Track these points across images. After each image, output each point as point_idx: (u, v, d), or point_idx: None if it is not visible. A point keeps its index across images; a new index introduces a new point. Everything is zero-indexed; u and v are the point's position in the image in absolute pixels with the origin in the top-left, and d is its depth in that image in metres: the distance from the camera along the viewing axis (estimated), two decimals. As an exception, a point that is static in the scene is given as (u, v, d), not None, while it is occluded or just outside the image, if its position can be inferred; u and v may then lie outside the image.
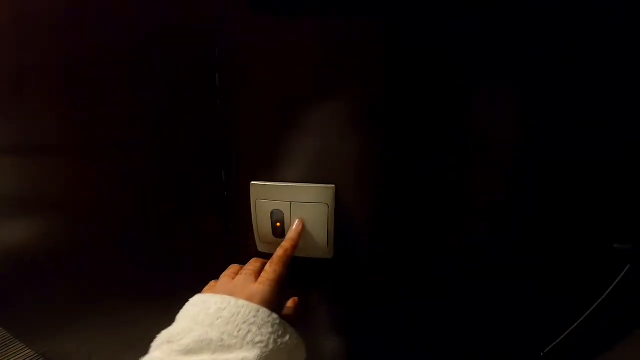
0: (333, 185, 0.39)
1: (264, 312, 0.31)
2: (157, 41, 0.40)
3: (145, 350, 0.32)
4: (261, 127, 0.40)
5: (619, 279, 0.40)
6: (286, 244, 0.38)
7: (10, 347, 1.08)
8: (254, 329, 0.30)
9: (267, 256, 0.45)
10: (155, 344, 0.31)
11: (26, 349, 1.08)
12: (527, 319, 0.45)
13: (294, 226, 0.40)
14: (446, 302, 0.46)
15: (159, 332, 0.32)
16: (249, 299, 0.32)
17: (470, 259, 0.43)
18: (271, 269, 0.35)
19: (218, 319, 0.30)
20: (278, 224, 0.41)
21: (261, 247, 0.44)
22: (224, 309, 0.30)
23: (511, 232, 0.40)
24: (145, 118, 0.44)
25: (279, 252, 0.37)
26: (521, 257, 0.41)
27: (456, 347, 0.49)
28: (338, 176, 0.40)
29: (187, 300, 0.35)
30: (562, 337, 0.44)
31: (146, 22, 0.40)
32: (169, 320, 0.34)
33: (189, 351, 0.29)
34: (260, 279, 0.34)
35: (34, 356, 1.07)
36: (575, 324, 0.43)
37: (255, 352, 0.28)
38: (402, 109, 0.37)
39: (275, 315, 0.31)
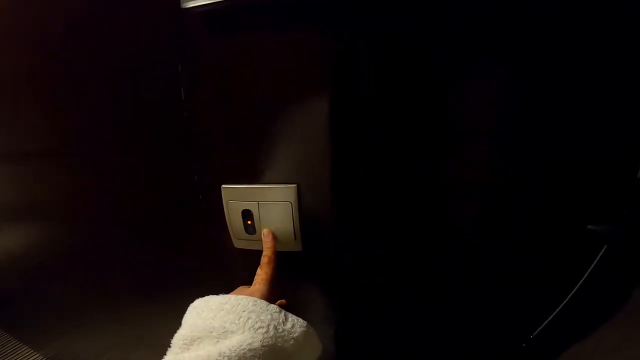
0: (295, 185, 0.43)
1: (262, 302, 0.34)
2: (129, 61, 0.43)
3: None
4: (227, 135, 0.44)
5: (596, 261, 0.41)
6: (267, 252, 0.42)
7: (19, 352, 1.12)
8: (254, 316, 0.32)
9: (242, 252, 0.49)
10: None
11: (34, 353, 1.12)
12: (526, 319, 0.45)
13: (264, 237, 0.44)
14: (439, 302, 0.47)
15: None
16: (249, 295, 0.35)
17: (469, 260, 0.43)
18: (262, 272, 0.39)
19: (220, 311, 0.33)
20: (249, 222, 0.45)
21: (237, 244, 0.48)
22: (225, 303, 0.33)
23: (511, 233, 0.41)
24: (124, 133, 0.48)
25: (264, 259, 0.41)
26: (521, 258, 0.42)
27: (456, 346, 0.49)
28: (299, 176, 0.44)
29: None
30: (545, 323, 0.45)
31: (118, 45, 0.43)
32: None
33: (192, 341, 0.31)
34: (254, 281, 0.38)
35: (42, 360, 1.09)
36: (558, 309, 0.43)
37: (257, 337, 0.31)
38: (354, 113, 0.41)
39: (273, 306, 0.34)
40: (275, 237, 0.44)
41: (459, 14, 0.35)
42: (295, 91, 0.40)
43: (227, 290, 0.40)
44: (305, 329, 0.35)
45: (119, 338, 0.80)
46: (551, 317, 0.44)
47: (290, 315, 0.35)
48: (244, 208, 0.45)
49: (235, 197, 0.45)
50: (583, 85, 0.35)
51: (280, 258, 0.48)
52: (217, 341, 0.31)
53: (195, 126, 0.44)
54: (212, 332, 0.31)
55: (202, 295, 0.38)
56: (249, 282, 0.41)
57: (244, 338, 0.30)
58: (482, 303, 0.45)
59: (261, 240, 0.46)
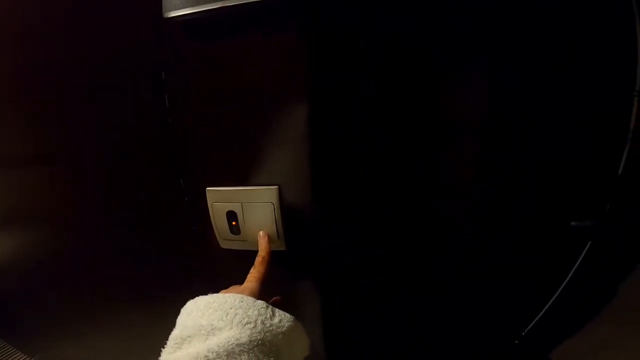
0: (277, 186, 0.45)
1: (249, 298, 0.34)
2: (114, 67, 0.45)
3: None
4: (210, 139, 0.45)
5: (581, 257, 0.42)
6: (261, 252, 0.43)
7: (13, 357, 1.11)
8: (241, 312, 0.33)
9: (230, 252, 0.50)
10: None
11: (28, 358, 1.11)
12: (526, 318, 0.46)
13: (260, 238, 0.45)
14: (439, 302, 0.47)
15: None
16: (238, 293, 0.36)
17: (469, 260, 0.44)
18: (255, 270, 0.41)
19: (208, 309, 0.33)
20: (234, 223, 0.47)
21: (223, 244, 0.50)
22: (213, 302, 0.34)
23: (511, 233, 0.42)
24: (110, 139, 0.49)
25: (258, 259, 0.42)
26: (520, 258, 0.42)
27: (456, 346, 0.50)
28: (281, 178, 0.45)
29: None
30: (535, 320, 0.45)
31: (103, 52, 0.45)
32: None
33: (183, 340, 0.32)
34: (246, 279, 0.40)
35: (36, 365, 1.09)
36: (547, 306, 0.44)
37: (244, 332, 0.31)
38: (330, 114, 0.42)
39: (260, 301, 0.35)
40: (268, 239, 0.45)
41: (459, 14, 0.35)
42: (276, 94, 0.42)
43: (219, 290, 0.41)
44: (292, 323, 0.36)
45: (114, 342, 0.81)
46: (541, 313, 0.45)
47: (277, 310, 0.36)
48: (228, 209, 0.46)
49: (220, 199, 0.46)
50: (583, 84, 0.35)
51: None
52: (206, 338, 0.31)
53: (179, 131, 0.46)
54: (200, 330, 0.32)
55: (195, 297, 0.38)
56: (239, 281, 0.42)
57: (231, 334, 0.31)
58: (482, 303, 0.46)
59: (246, 241, 0.48)
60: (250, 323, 0.32)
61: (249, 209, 0.46)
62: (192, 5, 0.39)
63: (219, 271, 0.55)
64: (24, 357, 1.11)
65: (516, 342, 0.47)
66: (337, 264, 0.50)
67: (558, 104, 0.37)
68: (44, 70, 0.48)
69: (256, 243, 0.47)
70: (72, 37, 0.45)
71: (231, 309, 0.33)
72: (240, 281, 0.41)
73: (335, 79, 0.40)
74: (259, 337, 0.32)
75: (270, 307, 0.35)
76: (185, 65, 0.42)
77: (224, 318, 0.32)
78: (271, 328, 0.33)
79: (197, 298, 0.37)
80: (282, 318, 0.35)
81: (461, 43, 0.36)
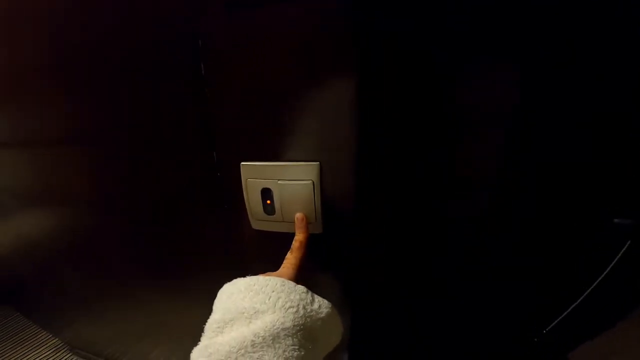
0: (317, 163, 0.41)
1: (289, 282, 0.33)
2: (149, 37, 0.42)
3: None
4: (246, 111, 0.42)
5: (620, 254, 0.40)
6: (299, 236, 0.41)
7: (38, 337, 1.14)
8: (283, 295, 0.32)
9: (260, 233, 0.48)
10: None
11: (52, 338, 1.14)
12: (526, 319, 0.45)
13: (298, 221, 0.42)
14: (439, 302, 0.47)
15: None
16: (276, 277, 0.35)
17: (469, 260, 0.43)
18: (292, 256, 0.39)
19: (249, 292, 0.32)
20: (268, 202, 0.44)
21: (255, 225, 0.47)
22: (254, 285, 0.33)
23: (511, 233, 0.41)
24: (145, 113, 0.47)
25: (296, 244, 0.40)
26: (521, 258, 0.41)
27: (456, 346, 0.49)
28: (322, 154, 0.42)
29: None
30: (564, 315, 0.44)
31: (136, 22, 0.42)
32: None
33: (225, 324, 0.31)
34: (283, 265, 0.38)
35: (59, 345, 1.12)
36: (577, 301, 0.43)
37: (288, 317, 0.31)
38: (382, 97, 0.39)
39: (301, 286, 0.34)
40: (306, 222, 0.42)
41: (459, 13, 0.34)
42: (314, 69, 0.38)
43: (246, 274, 0.39)
44: (330, 310, 0.35)
45: (134, 324, 0.81)
46: (567, 312, 0.43)
47: (316, 296, 0.35)
48: (264, 186, 0.43)
49: (255, 174, 0.43)
50: (583, 84, 0.34)
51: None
52: (250, 322, 0.30)
53: (215, 102, 0.43)
54: (243, 313, 0.31)
55: (220, 280, 0.37)
56: (266, 266, 0.39)
57: (276, 317, 0.30)
58: (482, 303, 0.45)
59: (281, 222, 0.45)
60: (293, 307, 0.32)
61: (286, 187, 0.42)
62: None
63: (249, 254, 0.52)
64: (48, 336, 1.14)
65: (535, 339, 0.45)
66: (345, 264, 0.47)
67: (559, 104, 0.36)
68: (76, 47, 0.47)
69: (291, 225, 0.43)
70: (106, 13, 0.43)
71: (273, 292, 0.32)
72: (270, 267, 0.39)
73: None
74: (301, 322, 0.31)
75: (310, 292, 0.34)
76: (223, 34, 0.39)
77: (266, 301, 0.31)
78: (312, 314, 0.33)
79: (235, 280, 0.35)
80: (321, 304, 0.34)
81: (461, 42, 0.35)
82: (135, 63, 0.45)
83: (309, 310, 0.33)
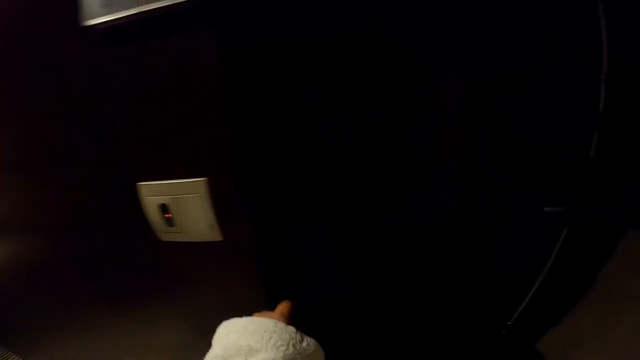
0: (204, 178, 0.47)
1: (281, 323, 0.38)
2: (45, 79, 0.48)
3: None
4: (139, 135, 0.48)
5: (560, 242, 0.43)
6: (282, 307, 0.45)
7: (8, 360, 1.15)
8: (275, 335, 0.36)
9: (169, 243, 0.53)
10: None
11: (22, 360, 1.15)
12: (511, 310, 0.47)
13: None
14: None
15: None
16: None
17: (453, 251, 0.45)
18: (281, 306, 0.44)
19: (245, 332, 0.37)
20: (167, 216, 0.50)
21: (163, 237, 0.53)
22: (250, 325, 0.38)
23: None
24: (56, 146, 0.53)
25: (284, 302, 0.45)
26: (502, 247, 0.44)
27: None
28: (209, 170, 0.48)
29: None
30: (521, 308, 0.47)
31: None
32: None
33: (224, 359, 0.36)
34: (276, 309, 0.43)
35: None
36: (531, 293, 0.45)
37: (279, 355, 0.35)
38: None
39: (291, 327, 0.39)
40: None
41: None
42: (194, 91, 0.44)
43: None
44: (316, 347, 0.39)
45: (105, 344, 0.84)
46: (524, 303, 0.46)
47: (305, 335, 0.39)
48: (160, 202, 0.49)
49: (151, 192, 0.49)
50: (555, 72, 0.38)
51: (202, 249, 0.52)
52: (246, 359, 0.35)
53: (111, 129, 0.49)
54: (240, 351, 0.35)
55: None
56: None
57: (268, 355, 0.34)
58: (467, 294, 0.47)
59: (182, 233, 0.50)
60: (284, 346, 0.36)
61: (180, 201, 0.48)
62: (107, 13, 0.42)
63: (169, 264, 0.57)
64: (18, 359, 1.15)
65: (503, 332, 0.48)
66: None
67: (530, 91, 0.39)
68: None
69: (192, 235, 0.49)
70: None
71: (266, 332, 0.37)
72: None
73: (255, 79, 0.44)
74: (291, 359, 0.36)
75: (299, 332, 0.39)
76: (109, 66, 0.45)
77: (260, 340, 0.36)
78: (301, 350, 0.37)
79: (232, 320, 0.40)
80: (309, 342, 0.39)
81: (433, 35, 0.39)
82: (38, 99, 0.50)
83: (298, 348, 0.37)
